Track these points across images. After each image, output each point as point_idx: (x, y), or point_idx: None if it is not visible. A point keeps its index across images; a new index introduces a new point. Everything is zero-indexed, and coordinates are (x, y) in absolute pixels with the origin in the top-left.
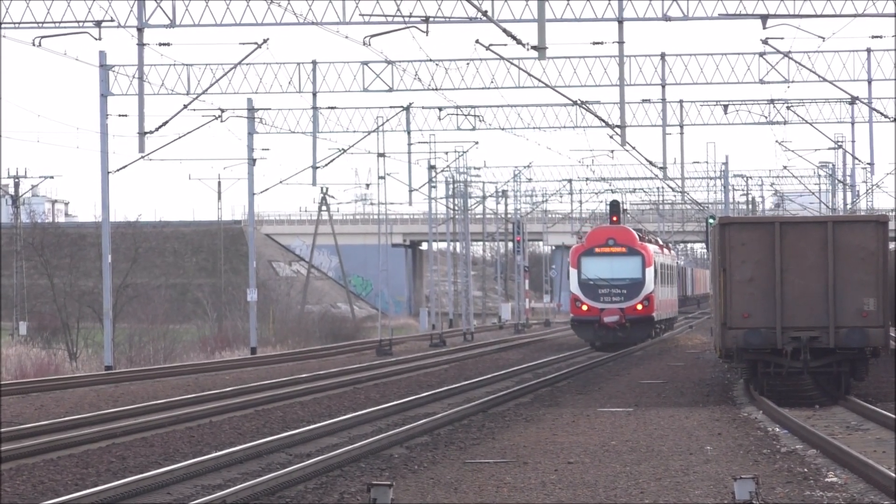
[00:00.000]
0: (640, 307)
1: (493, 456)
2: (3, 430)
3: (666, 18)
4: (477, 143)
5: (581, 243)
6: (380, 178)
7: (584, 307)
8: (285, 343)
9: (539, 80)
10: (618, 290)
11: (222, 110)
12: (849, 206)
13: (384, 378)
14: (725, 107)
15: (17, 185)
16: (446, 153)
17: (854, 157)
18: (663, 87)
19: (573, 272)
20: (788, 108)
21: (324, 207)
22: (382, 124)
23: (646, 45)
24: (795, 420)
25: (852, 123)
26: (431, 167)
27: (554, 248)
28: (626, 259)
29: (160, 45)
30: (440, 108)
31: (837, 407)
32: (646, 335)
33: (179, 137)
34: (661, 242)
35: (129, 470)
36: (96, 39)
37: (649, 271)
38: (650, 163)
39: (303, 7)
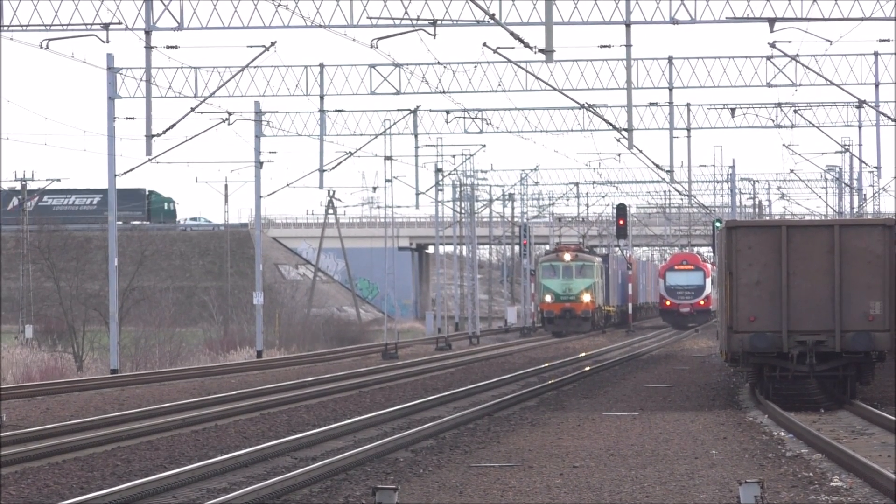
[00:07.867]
0: (702, 302)
1: (498, 460)
2: (8, 433)
3: (673, 21)
4: (484, 146)
5: (665, 263)
6: (387, 181)
7: (668, 303)
8: (291, 346)
9: (546, 84)
10: (689, 292)
11: (229, 113)
12: (855, 210)
13: (390, 382)
14: (733, 110)
15: (24, 188)
16: (453, 156)
17: (861, 161)
18: (670, 90)
19: (661, 281)
20: (796, 111)
21: (330, 210)
22: (390, 127)
23: (653, 48)
24: (801, 424)
25: (859, 127)
26: (438, 170)
27: None
28: (694, 273)
29: (168, 47)
30: (447, 111)
31: (843, 411)
32: (705, 320)
33: (187, 140)
34: (713, 262)
35: (135, 473)
36: (104, 42)
37: (708, 281)
38: (657, 166)
39: (310, 10)
